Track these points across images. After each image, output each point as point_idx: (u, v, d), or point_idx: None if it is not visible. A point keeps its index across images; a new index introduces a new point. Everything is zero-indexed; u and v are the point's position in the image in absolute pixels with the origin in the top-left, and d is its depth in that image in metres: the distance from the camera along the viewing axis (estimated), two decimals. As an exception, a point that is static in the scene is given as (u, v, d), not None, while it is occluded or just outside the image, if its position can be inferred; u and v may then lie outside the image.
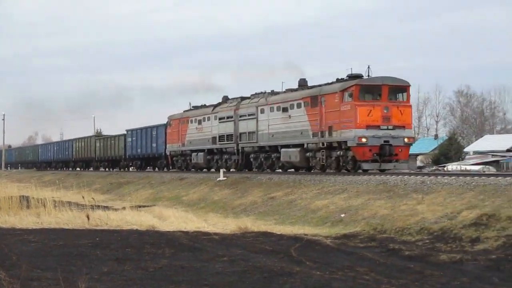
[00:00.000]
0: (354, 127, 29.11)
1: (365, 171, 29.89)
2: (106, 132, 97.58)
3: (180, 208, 31.30)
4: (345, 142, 29.87)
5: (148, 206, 32.24)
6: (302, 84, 36.65)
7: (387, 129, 29.48)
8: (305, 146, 33.25)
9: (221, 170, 39.94)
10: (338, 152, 30.73)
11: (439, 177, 25.21)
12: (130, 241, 17.81)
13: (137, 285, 11.51)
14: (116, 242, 17.64)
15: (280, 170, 38.04)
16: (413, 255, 15.45)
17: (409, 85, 30.63)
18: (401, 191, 23.77)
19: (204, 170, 48.73)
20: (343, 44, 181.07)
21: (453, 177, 24.28)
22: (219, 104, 46.24)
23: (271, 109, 36.85)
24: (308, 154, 33.17)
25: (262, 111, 37.96)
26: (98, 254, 15.20)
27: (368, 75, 30.53)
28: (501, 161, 77.58)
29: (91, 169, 78.75)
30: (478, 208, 19.13)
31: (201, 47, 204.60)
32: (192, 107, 52.34)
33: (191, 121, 49.35)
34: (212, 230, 21.22)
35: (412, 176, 26.19)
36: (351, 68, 31.88)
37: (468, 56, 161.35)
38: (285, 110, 35.22)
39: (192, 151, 48.75)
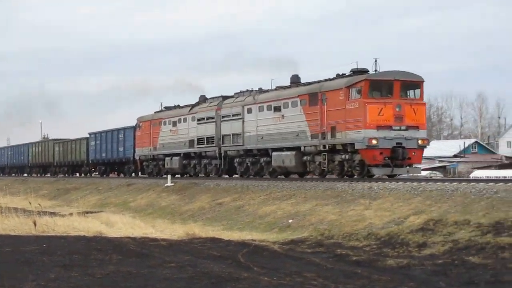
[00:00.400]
0: (363, 128, 26.04)
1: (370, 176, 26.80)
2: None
3: (128, 214, 31.22)
4: (352, 144, 26.74)
5: (95, 212, 31.89)
6: (295, 81, 33.37)
7: (400, 129, 26.42)
8: (302, 149, 29.88)
9: (169, 176, 39.62)
10: (343, 156, 27.50)
11: (386, 182, 24.87)
12: (77, 247, 17.45)
13: (84, 291, 11.29)
14: (63, 248, 17.31)
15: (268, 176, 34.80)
16: (360, 260, 15.47)
17: (423, 81, 27.49)
18: (349, 197, 23.87)
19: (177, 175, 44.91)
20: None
21: (400, 183, 24.07)
22: (197, 103, 42.34)
23: (260, 109, 33.48)
24: (305, 158, 29.82)
25: (250, 111, 34.46)
26: (45, 261, 14.85)
27: (376, 70, 27.38)
28: (448, 167, 79.72)
29: (48, 175, 74.00)
30: (425, 214, 19.41)
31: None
32: (164, 107, 48.36)
33: (164, 123, 45.37)
34: (159, 236, 21.06)
35: (359, 182, 25.81)
36: (357, 62, 28.68)
37: (415, 62, 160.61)
38: (277, 109, 31.84)
39: (166, 155, 44.80)
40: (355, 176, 27.56)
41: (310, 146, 29.35)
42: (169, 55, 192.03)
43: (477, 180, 25.38)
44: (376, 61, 27.46)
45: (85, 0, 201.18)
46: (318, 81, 30.03)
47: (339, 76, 28.76)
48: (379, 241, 18.06)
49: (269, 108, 32.63)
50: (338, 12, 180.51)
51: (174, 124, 43.89)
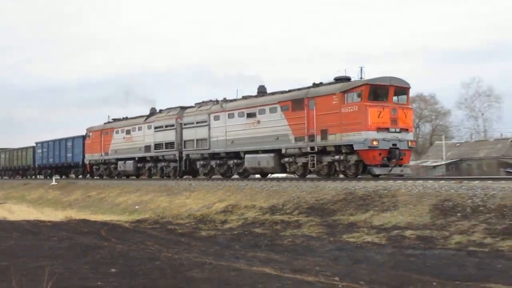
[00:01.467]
0: (365, 129, 19.67)
1: (376, 176, 20.30)
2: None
3: (24, 204, 31.97)
4: (348, 145, 20.28)
5: (1, 203, 31.21)
6: (262, 91, 26.58)
7: (395, 132, 20.31)
8: (283, 151, 23.04)
9: (54, 177, 39.95)
10: (336, 157, 20.87)
11: (201, 181, 26.17)
12: (-14, 229, 17.66)
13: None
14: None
15: (237, 176, 27.62)
16: (183, 232, 16.21)
17: (410, 87, 21.40)
18: (176, 190, 24.76)
19: (132, 177, 36.57)
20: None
21: (210, 181, 25.12)
22: (152, 114, 34.64)
23: (230, 116, 26.34)
24: (286, 159, 23.03)
25: (217, 118, 27.25)
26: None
27: (361, 78, 20.93)
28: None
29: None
30: (226, 201, 20.41)
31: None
32: (112, 119, 40.16)
33: (117, 132, 37.37)
34: (47, 219, 20.97)
35: (183, 180, 27.76)
36: (345, 70, 22.41)
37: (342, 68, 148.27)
38: (251, 115, 24.86)
39: (118, 159, 36.67)
40: (348, 176, 20.87)
41: (294, 148, 22.58)
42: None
43: (260, 179, 24.93)
44: (361, 69, 21.04)
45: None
46: (300, 89, 23.28)
47: (327, 83, 21.99)
48: (196, 219, 18.97)
49: (241, 114, 25.59)
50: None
51: (128, 132, 35.92)
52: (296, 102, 22.42)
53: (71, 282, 8.93)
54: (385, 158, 19.67)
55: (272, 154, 23.48)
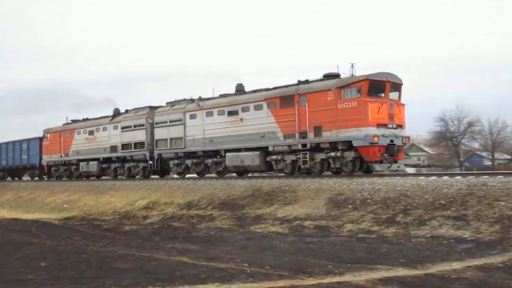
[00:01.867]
0: (366, 125, 17.22)
1: (370, 172, 17.78)
2: None
3: None
4: (345, 142, 17.74)
5: None
6: (240, 89, 23.45)
7: (392, 128, 18.01)
8: (271, 149, 20.16)
9: None
10: (332, 154, 18.23)
11: (124, 181, 25.61)
12: None
13: None
14: None
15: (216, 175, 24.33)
16: (108, 228, 15.91)
17: (403, 84, 19.07)
18: (101, 190, 24.03)
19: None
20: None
21: (132, 181, 24.65)
22: (117, 114, 30.50)
23: (209, 114, 23.16)
24: (274, 157, 20.22)
25: (193, 116, 23.97)
26: None
27: (352, 74, 18.43)
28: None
29: None
30: (147, 198, 20.02)
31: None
32: (71, 120, 35.44)
33: (78, 132, 32.80)
34: None
35: (108, 181, 27.12)
36: (337, 66, 19.73)
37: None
38: (233, 113, 21.79)
39: (80, 160, 32.18)
40: (343, 173, 18.25)
41: (282, 145, 19.74)
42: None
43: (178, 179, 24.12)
44: (352, 65, 18.53)
45: None
46: (287, 86, 20.46)
47: (318, 80, 19.32)
48: (120, 216, 18.44)
49: (221, 112, 22.47)
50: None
51: (91, 133, 31.52)
52: (284, 99, 19.63)
53: (2, 276, 8.90)
54: (384, 155, 17.27)
55: (257, 152, 20.59)
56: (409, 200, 12.85)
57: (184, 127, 24.16)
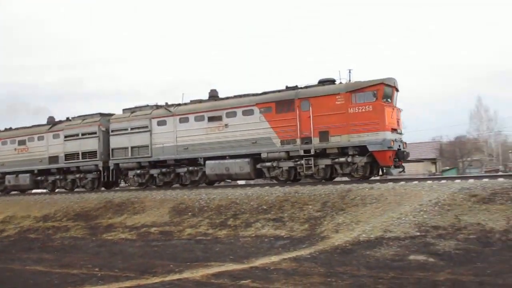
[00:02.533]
0: (383, 130, 14.03)
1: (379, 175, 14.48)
2: None
3: None
4: (359, 147, 14.30)
5: None
6: (214, 95, 18.65)
7: (398, 133, 15.06)
8: (265, 155, 15.98)
9: None
10: (342, 159, 14.68)
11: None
12: None
13: None
14: None
15: (177, 185, 18.97)
16: None
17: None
18: None
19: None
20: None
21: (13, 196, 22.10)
22: (57, 122, 23.10)
23: (183, 120, 18.09)
24: (268, 164, 16.01)
25: (162, 123, 18.64)
26: None
27: (349, 80, 15.10)
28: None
29: None
30: (5, 213, 18.15)
31: None
32: None
33: (4, 143, 24.60)
34: None
35: None
36: (339, 72, 16.26)
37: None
38: (215, 119, 17.07)
39: (7, 173, 24.06)
40: (353, 178, 14.65)
41: (279, 152, 15.64)
42: None
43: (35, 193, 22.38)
44: (350, 71, 15.37)
45: None
46: (284, 90, 16.32)
47: (317, 84, 15.54)
48: None
49: (199, 118, 17.54)
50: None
51: (22, 142, 23.60)
52: (282, 104, 15.64)
53: None
54: (396, 159, 14.09)
55: (246, 159, 16.17)
56: (238, 206, 12.95)
57: (151, 134, 18.58)
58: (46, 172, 22.90)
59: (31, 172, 23.26)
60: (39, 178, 23.04)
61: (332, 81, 15.64)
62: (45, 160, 22.78)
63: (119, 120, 20.04)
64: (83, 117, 22.21)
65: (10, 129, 25.90)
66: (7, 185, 24.50)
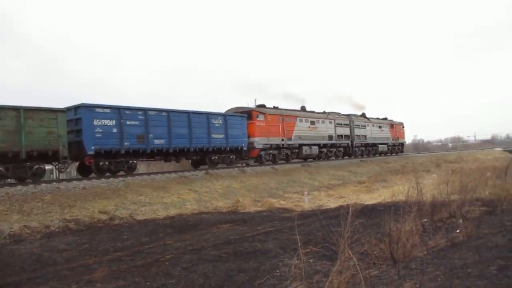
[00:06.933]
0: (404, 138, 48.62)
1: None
2: None
3: None
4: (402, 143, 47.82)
5: None
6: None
7: None
8: (389, 143, 44.97)
9: None
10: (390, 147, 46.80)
11: None
12: None
13: None
14: None
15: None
16: None
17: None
18: None
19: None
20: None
21: None
22: (329, 113, 35.89)
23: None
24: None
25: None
26: None
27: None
28: None
29: None
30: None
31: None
32: (273, 106, 30.64)
33: (301, 121, 32.56)
34: None
35: None
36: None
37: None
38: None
39: (303, 144, 32.47)
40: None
41: (390, 144, 45.91)
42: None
43: None
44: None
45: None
46: (343, 114, 45.07)
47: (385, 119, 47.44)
48: None
49: (305, 121, 43.48)
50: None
51: (312, 123, 34.08)
52: (390, 125, 45.63)
53: None
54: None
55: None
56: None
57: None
58: (324, 146, 33.45)
59: (318, 145, 32.45)
60: (323, 150, 32.95)
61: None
62: (325, 138, 33.72)
63: (357, 119, 38.29)
64: (338, 113, 36.23)
65: (304, 110, 31.76)
66: (304, 154, 30.59)
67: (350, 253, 4.95)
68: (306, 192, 18.61)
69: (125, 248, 9.16)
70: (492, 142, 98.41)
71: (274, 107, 30.95)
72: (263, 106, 29.99)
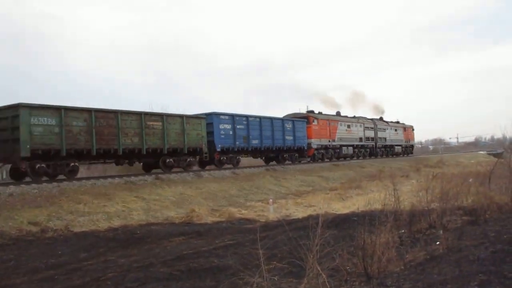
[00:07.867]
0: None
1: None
2: None
3: None
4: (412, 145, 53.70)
5: None
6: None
7: None
8: (402, 145, 50.67)
9: None
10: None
11: None
12: None
13: None
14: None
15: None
16: None
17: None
18: None
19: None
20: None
21: None
22: (358, 117, 41.74)
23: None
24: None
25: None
26: None
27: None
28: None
29: None
30: None
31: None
32: (318, 112, 36.10)
33: (341, 124, 38.58)
34: None
35: None
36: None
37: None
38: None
39: (342, 145, 38.26)
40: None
41: (403, 146, 51.88)
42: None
43: None
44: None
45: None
46: (369, 118, 51.30)
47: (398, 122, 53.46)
48: None
49: (344, 125, 49.43)
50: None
51: (348, 126, 39.83)
52: (403, 129, 51.58)
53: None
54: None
55: (351, 147, 47.21)
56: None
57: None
58: (357, 147, 39.11)
59: (352, 146, 38.02)
60: (355, 150, 38.61)
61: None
62: (357, 139, 39.38)
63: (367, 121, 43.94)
64: (365, 118, 41.88)
65: (339, 115, 38.00)
66: (343, 154, 36.13)
67: (319, 269, 4.76)
68: (271, 200, 16.67)
69: (60, 265, 8.17)
70: (475, 145, 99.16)
71: (319, 112, 36.36)
72: (312, 111, 35.35)
